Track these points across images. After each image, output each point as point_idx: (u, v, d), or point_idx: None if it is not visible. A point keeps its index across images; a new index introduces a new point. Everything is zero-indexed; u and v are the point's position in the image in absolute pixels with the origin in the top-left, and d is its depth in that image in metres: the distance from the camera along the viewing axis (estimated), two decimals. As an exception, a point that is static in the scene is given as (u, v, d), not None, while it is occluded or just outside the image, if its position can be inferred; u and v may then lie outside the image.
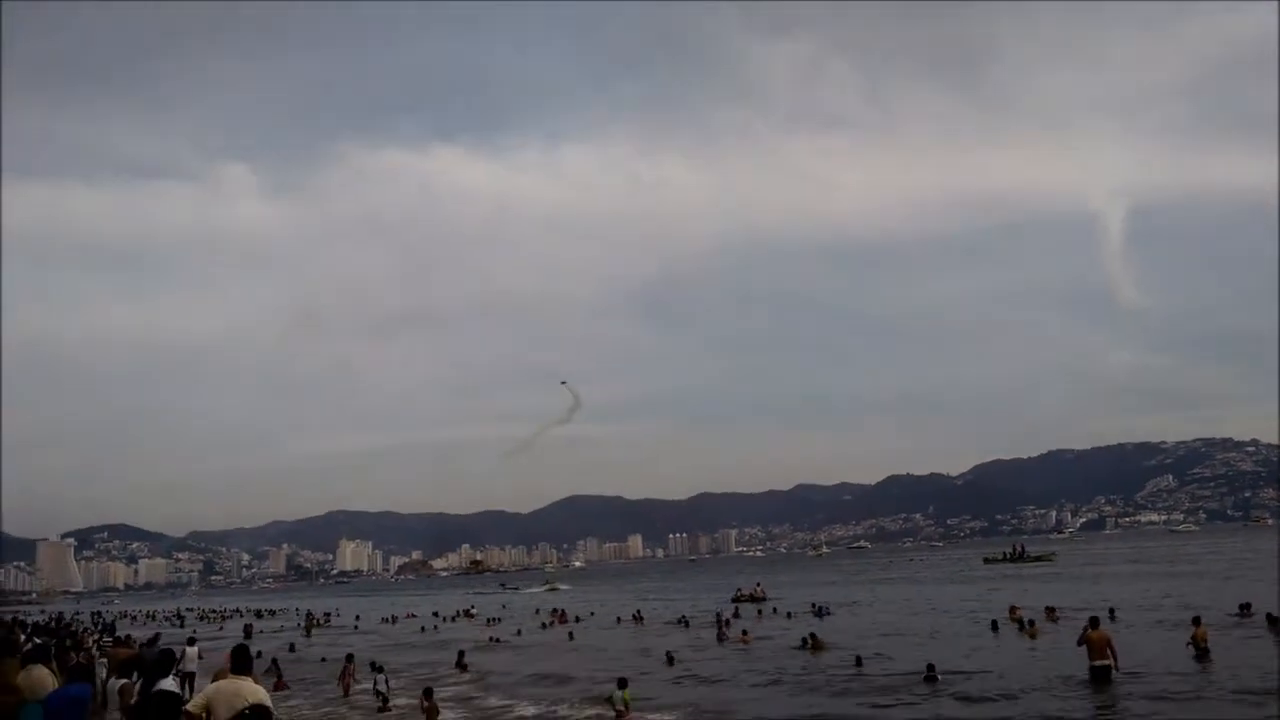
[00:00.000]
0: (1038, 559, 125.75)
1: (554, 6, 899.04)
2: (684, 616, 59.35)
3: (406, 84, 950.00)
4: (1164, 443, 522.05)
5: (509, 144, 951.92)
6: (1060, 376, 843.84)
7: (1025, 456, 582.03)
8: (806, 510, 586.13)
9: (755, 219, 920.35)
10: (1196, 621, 30.08)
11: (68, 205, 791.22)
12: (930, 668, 28.01)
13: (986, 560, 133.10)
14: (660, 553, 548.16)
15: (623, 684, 24.94)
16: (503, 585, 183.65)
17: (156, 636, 34.43)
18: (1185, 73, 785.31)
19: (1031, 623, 41.43)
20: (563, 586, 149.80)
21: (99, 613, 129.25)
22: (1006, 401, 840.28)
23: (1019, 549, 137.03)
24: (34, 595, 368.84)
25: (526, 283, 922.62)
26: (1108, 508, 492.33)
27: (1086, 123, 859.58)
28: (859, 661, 32.51)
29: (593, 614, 70.32)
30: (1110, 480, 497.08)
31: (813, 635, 39.99)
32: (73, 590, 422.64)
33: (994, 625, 41.69)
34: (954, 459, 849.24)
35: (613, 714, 24.42)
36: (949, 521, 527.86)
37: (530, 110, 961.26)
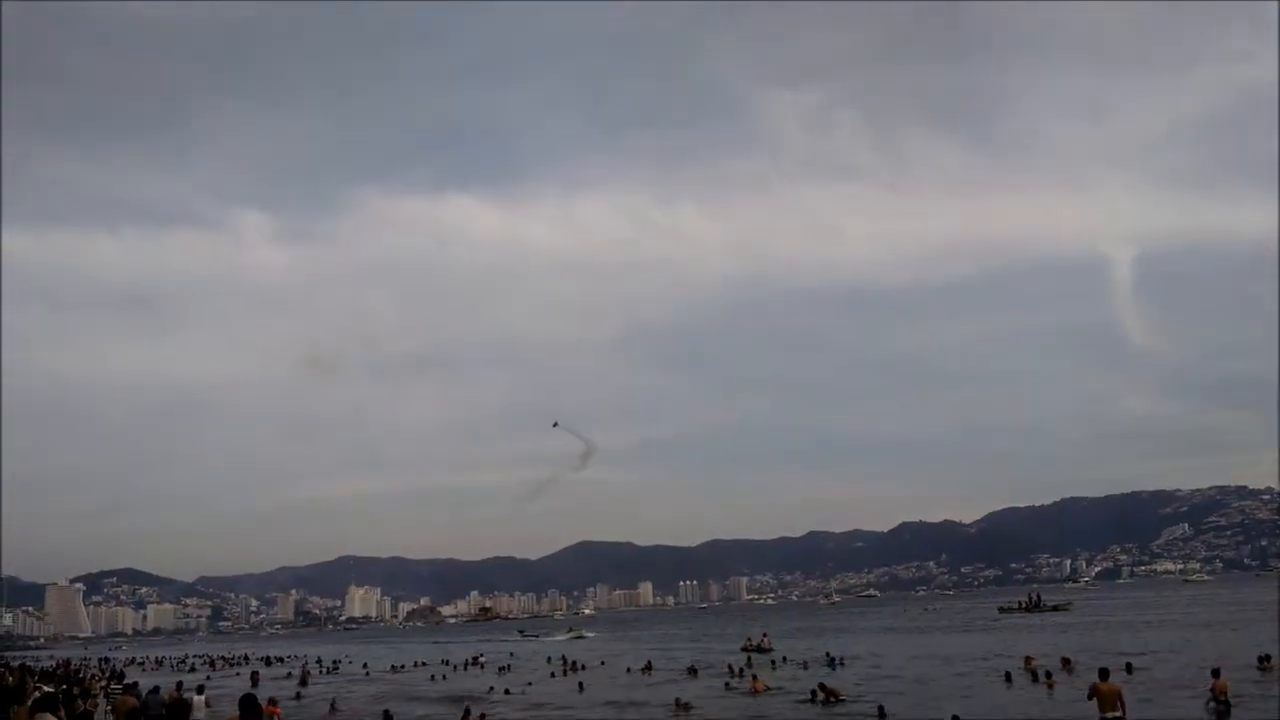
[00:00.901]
0: (1054, 608, 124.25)
1: (568, 59, 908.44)
2: (693, 665, 58.73)
3: (421, 133, 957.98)
4: (1179, 490, 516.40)
5: (522, 192, 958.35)
6: (1073, 423, 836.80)
7: (1038, 504, 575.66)
8: (818, 558, 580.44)
9: (767, 265, 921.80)
10: (1216, 674, 29.65)
11: (87, 252, 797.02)
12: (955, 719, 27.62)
13: (1002, 610, 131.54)
14: (671, 600, 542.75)
15: None
16: (521, 632, 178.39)
17: (156, 688, 34.13)
18: (1195, 119, 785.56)
19: (1048, 674, 40.92)
20: (588, 634, 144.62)
21: (107, 658, 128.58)
22: (1019, 448, 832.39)
23: (1035, 598, 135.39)
24: (42, 640, 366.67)
25: (539, 328, 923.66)
26: (1123, 556, 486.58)
27: (1096, 169, 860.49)
28: (882, 713, 32.00)
29: (602, 663, 69.62)
30: (1125, 528, 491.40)
31: (822, 685, 39.32)
32: (81, 635, 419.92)
33: (1007, 676, 41.17)
34: (967, 506, 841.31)
35: None
36: (962, 569, 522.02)
37: (544, 159, 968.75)
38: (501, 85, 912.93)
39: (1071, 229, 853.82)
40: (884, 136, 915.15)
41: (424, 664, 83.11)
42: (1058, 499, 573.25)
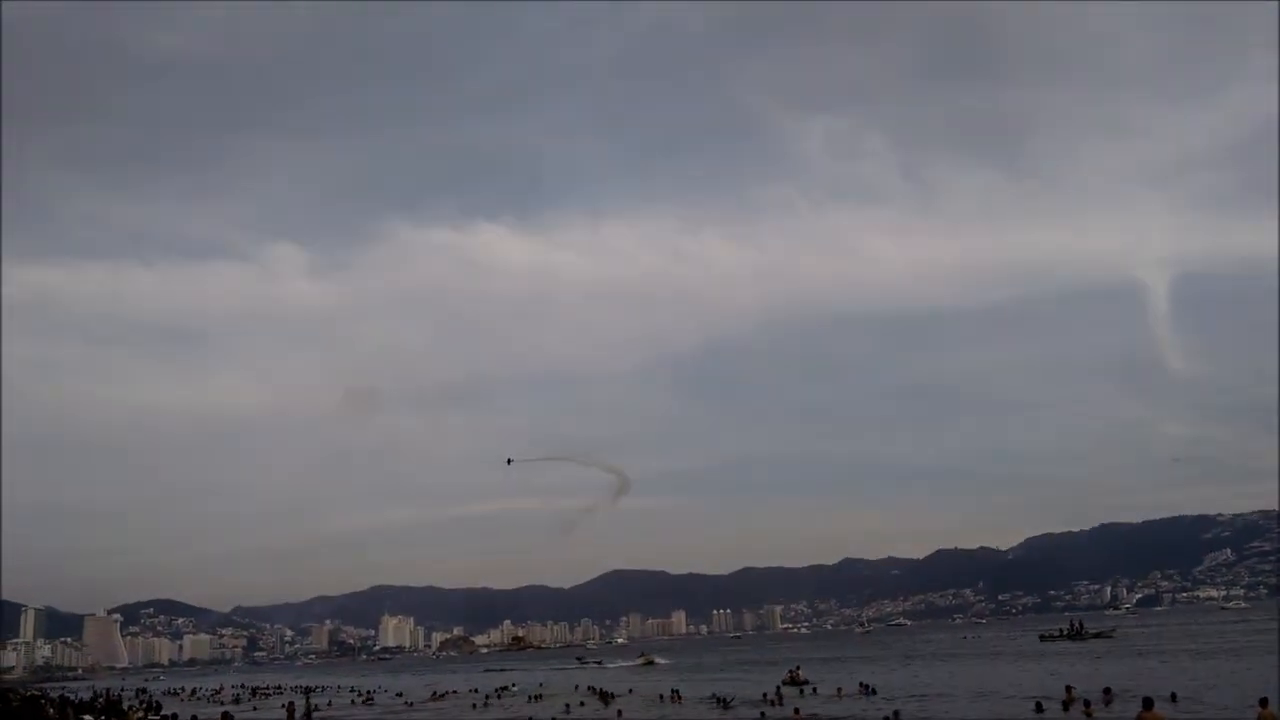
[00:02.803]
0: (1097, 635, 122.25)
1: (593, 85, 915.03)
2: (722, 697, 58.20)
3: (450, 164, 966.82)
4: (1221, 515, 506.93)
5: (550, 221, 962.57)
6: (1111, 448, 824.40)
7: (1077, 530, 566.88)
8: (853, 585, 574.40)
9: (796, 291, 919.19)
10: (1264, 703, 29.00)
11: (123, 286, 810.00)
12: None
13: (1043, 637, 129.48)
14: (704, 629, 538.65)
15: None
16: (579, 660, 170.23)
17: (193, 718, 34.57)
18: (1229, 139, 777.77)
19: (1087, 703, 40.40)
20: (660, 661, 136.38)
21: (144, 689, 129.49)
22: (1056, 474, 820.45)
23: (1077, 626, 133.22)
24: (80, 671, 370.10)
25: (569, 356, 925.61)
26: (1164, 582, 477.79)
27: (1128, 192, 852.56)
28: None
29: (630, 691, 69.24)
30: (1166, 554, 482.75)
31: (896, 714, 39.47)
32: (118, 666, 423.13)
33: (1038, 706, 40.69)
34: (1004, 533, 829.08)
35: None
36: (1000, 597, 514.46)
37: (571, 188, 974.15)
38: (527, 113, 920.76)
39: (1104, 253, 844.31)
40: (912, 161, 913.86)
41: (455, 692, 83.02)
42: (1097, 525, 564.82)
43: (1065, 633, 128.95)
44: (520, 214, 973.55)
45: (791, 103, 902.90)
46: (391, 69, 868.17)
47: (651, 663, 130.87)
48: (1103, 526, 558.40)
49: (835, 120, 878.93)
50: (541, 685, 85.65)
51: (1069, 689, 44.24)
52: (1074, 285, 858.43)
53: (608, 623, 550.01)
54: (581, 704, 64.38)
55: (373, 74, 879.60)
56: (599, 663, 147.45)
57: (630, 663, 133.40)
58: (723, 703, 55.38)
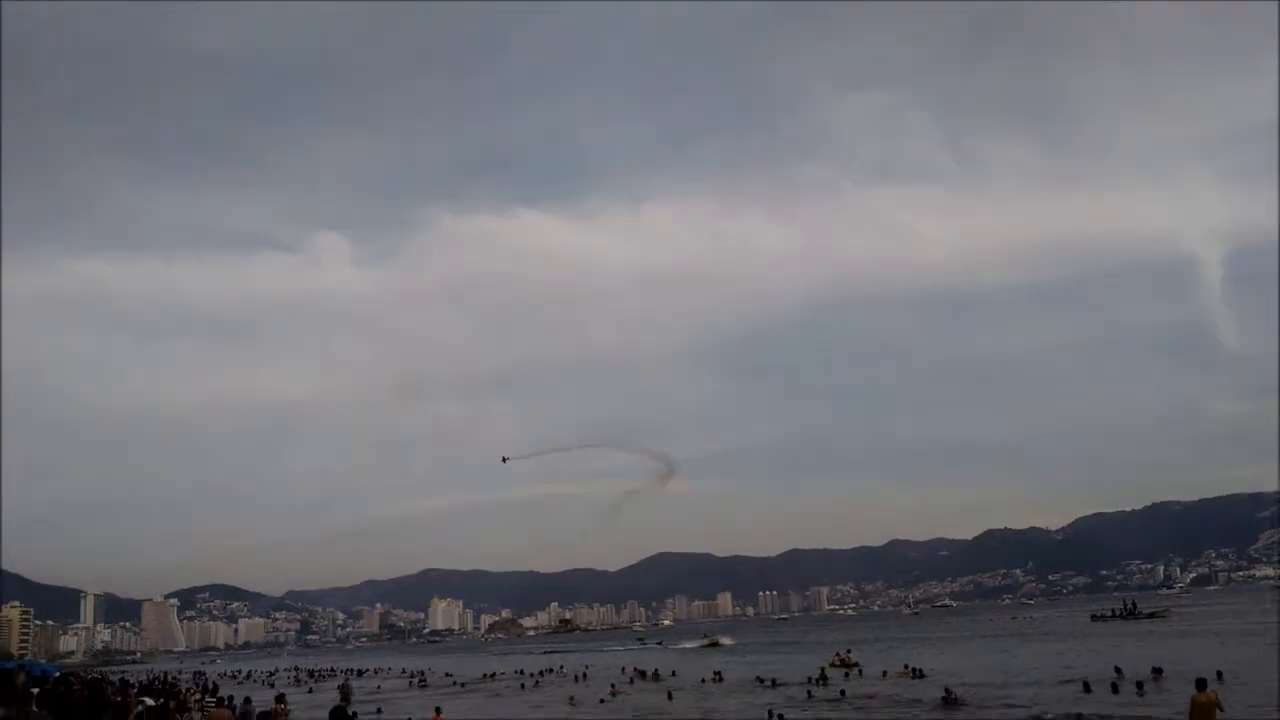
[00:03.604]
0: (1151, 615, 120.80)
1: (631, 68, 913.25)
2: (772, 678, 58.29)
3: (490, 150, 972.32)
4: (1276, 493, 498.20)
5: (591, 206, 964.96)
6: (1163, 425, 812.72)
7: (1129, 509, 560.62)
8: (901, 567, 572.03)
9: (841, 271, 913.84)
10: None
11: (174, 277, 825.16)
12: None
13: (1095, 617, 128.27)
14: (750, 610, 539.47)
15: None
16: (640, 640, 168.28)
17: (247, 699, 35.31)
18: (1275, 113, 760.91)
19: (1139, 683, 40.03)
20: (726, 641, 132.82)
21: (201, 672, 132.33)
22: (1107, 452, 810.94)
23: (1130, 605, 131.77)
24: (139, 655, 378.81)
25: (613, 340, 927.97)
26: (1219, 561, 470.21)
27: (1179, 165, 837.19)
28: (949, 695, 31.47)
29: (674, 673, 69.57)
30: (1221, 533, 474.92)
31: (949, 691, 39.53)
32: (175, 650, 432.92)
33: (1085, 686, 40.43)
34: (1053, 513, 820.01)
35: None
36: (1050, 577, 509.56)
37: (612, 173, 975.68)
38: (565, 99, 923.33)
39: (1155, 227, 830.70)
40: (957, 137, 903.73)
41: (520, 672, 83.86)
42: (1149, 504, 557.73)
43: (1118, 613, 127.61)
44: (561, 199, 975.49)
45: (832, 81, 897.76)
46: (429, 57, 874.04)
47: (717, 644, 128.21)
48: (1155, 505, 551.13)
49: (877, 97, 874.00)
50: (587, 667, 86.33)
51: (1118, 670, 43.80)
52: (1124, 260, 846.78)
53: (654, 605, 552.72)
54: (631, 682, 65.05)
55: (411, 64, 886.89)
56: (660, 644, 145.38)
57: (695, 644, 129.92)
58: (771, 683, 55.34)
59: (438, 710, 39.98)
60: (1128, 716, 32.23)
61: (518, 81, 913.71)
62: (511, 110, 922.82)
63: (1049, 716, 33.02)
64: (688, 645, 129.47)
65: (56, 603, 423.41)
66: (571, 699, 52.44)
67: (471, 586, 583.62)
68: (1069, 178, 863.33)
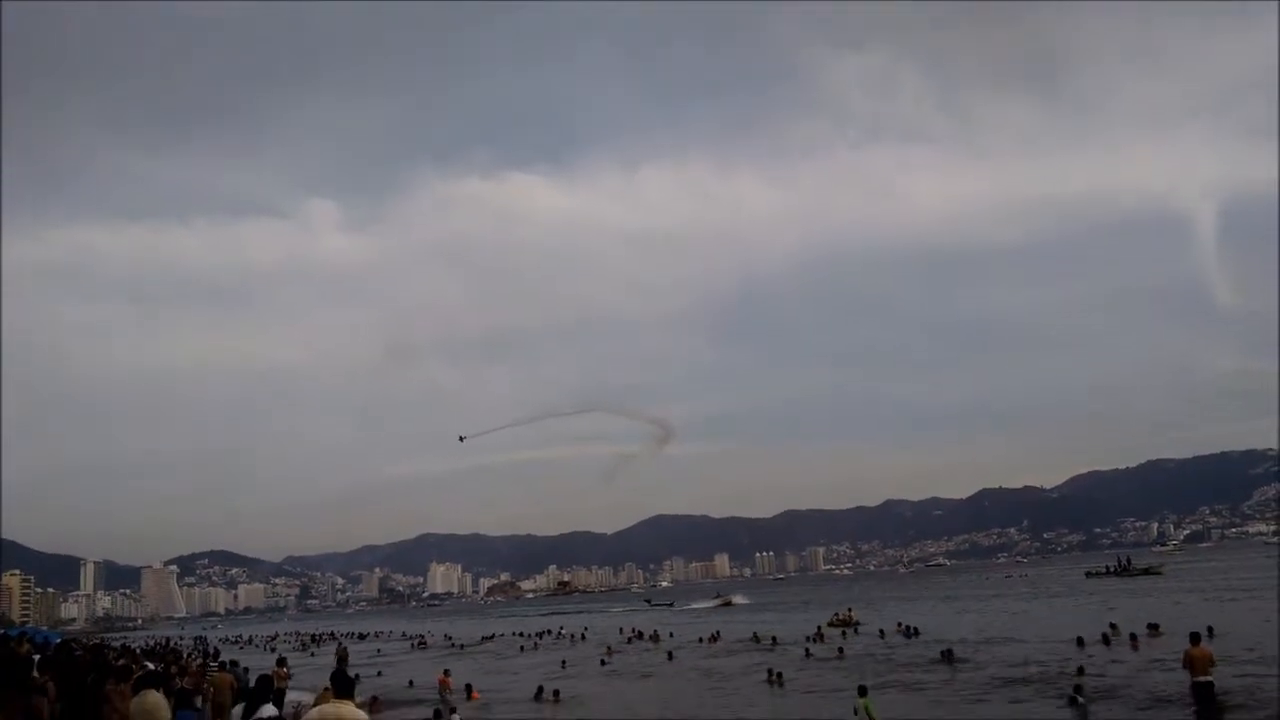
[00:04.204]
0: (1145, 572, 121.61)
1: (622, 28, 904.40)
2: (772, 636, 58.72)
3: (481, 115, 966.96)
4: (1270, 449, 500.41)
5: (583, 169, 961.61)
6: (1157, 383, 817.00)
7: (1123, 467, 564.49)
8: (896, 527, 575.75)
9: (835, 232, 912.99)
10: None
11: (165, 245, 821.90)
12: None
13: (1090, 574, 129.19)
14: (747, 571, 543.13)
15: (863, 691, 23.88)
16: (648, 602, 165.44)
17: (235, 662, 35.60)
18: (1273, 65, 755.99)
19: (1133, 635, 40.51)
20: (740, 600, 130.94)
21: (202, 637, 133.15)
22: (1101, 411, 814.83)
23: (1124, 562, 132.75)
24: (140, 621, 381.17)
25: (607, 303, 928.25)
26: (1213, 519, 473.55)
27: (1175, 121, 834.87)
28: (948, 655, 31.74)
29: (671, 634, 70.06)
30: (1215, 490, 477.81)
31: (948, 652, 39.90)
32: (176, 616, 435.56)
33: (1079, 641, 40.77)
34: (1048, 471, 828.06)
35: None
36: (1045, 535, 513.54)
37: (603, 135, 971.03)
38: (556, 62, 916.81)
39: (1148, 184, 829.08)
40: (950, 96, 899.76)
41: (520, 634, 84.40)
42: (1143, 461, 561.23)
43: (1112, 569, 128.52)
44: (553, 163, 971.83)
45: (825, 40, 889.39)
46: (420, 23, 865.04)
47: (730, 603, 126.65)
48: (1149, 463, 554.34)
49: (870, 57, 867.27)
50: (586, 628, 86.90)
51: (1113, 626, 44.10)
52: (1119, 218, 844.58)
53: (651, 567, 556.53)
54: (629, 642, 65.55)
55: (401, 29, 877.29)
56: (670, 604, 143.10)
57: (707, 604, 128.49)
58: (772, 641, 55.64)
59: (446, 672, 40.41)
60: (1125, 670, 32.48)
61: (509, 45, 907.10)
62: (502, 74, 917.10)
63: (1049, 672, 33.24)
64: (700, 605, 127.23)
65: (57, 570, 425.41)
66: (563, 663, 52.04)
67: (470, 550, 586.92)
68: (1064, 135, 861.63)
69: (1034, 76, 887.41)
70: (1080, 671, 29.98)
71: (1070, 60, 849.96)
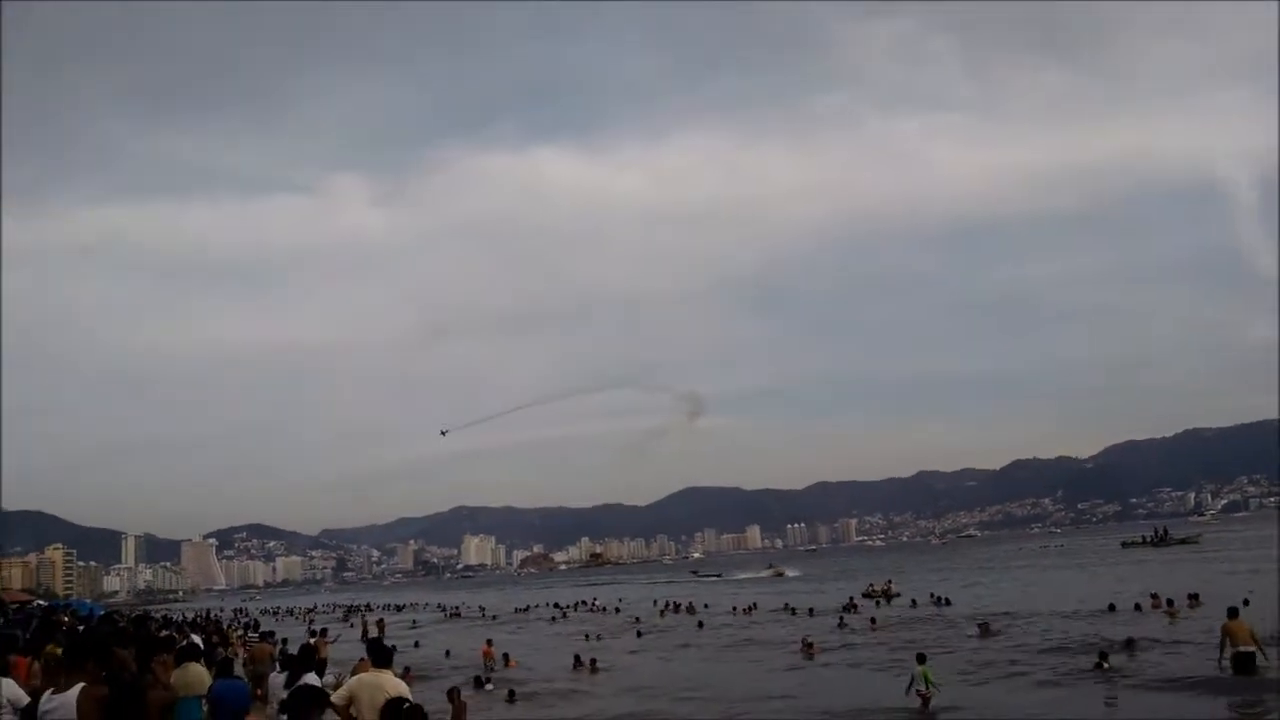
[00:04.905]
0: (1182, 542, 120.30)
1: (650, 5, 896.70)
2: (809, 608, 58.74)
3: (504, 88, 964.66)
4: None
5: (608, 142, 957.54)
6: (1194, 352, 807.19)
7: (1160, 436, 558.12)
8: (928, 498, 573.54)
9: (862, 203, 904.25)
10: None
11: (189, 222, 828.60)
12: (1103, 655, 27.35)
13: (1125, 544, 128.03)
14: (779, 543, 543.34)
15: (921, 659, 23.82)
16: (695, 573, 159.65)
17: (271, 633, 36.04)
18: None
19: (1170, 602, 40.18)
20: (791, 573, 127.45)
21: (241, 608, 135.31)
22: (1137, 380, 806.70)
23: (1161, 532, 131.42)
24: (180, 594, 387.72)
25: (634, 278, 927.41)
26: (1251, 488, 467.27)
27: (1209, 85, 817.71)
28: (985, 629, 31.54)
29: (706, 606, 70.27)
30: (1254, 459, 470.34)
31: (985, 625, 39.71)
32: (216, 588, 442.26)
33: (1111, 607, 40.57)
34: (1083, 441, 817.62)
35: (915, 696, 22.95)
36: (1079, 506, 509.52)
37: (627, 108, 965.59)
38: (581, 33, 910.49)
39: (1185, 151, 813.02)
40: (978, 63, 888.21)
41: (555, 605, 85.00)
42: (1180, 430, 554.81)
43: (1148, 539, 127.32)
44: (578, 136, 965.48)
45: (851, 8, 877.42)
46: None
47: (781, 574, 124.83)
48: (1186, 432, 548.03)
49: (897, 24, 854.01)
50: (620, 599, 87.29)
51: (1153, 596, 43.66)
52: (1151, 186, 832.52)
53: (683, 539, 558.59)
54: (662, 615, 65.87)
55: (425, 2, 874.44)
56: (718, 575, 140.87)
57: (757, 574, 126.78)
58: (809, 612, 55.61)
59: (489, 642, 40.76)
60: (1161, 640, 32.19)
61: (533, 17, 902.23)
62: (527, 47, 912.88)
63: (1087, 639, 33.01)
64: (749, 575, 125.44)
65: (99, 544, 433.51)
66: (598, 636, 51.48)
67: (503, 523, 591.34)
68: (1095, 102, 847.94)
69: (1064, 42, 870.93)
70: (1129, 642, 29.80)
71: (1101, 24, 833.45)
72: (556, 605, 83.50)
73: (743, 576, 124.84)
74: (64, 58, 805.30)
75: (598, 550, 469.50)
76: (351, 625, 70.04)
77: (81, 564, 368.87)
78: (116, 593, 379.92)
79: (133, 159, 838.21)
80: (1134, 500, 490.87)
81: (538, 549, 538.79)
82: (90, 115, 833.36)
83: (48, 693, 7.86)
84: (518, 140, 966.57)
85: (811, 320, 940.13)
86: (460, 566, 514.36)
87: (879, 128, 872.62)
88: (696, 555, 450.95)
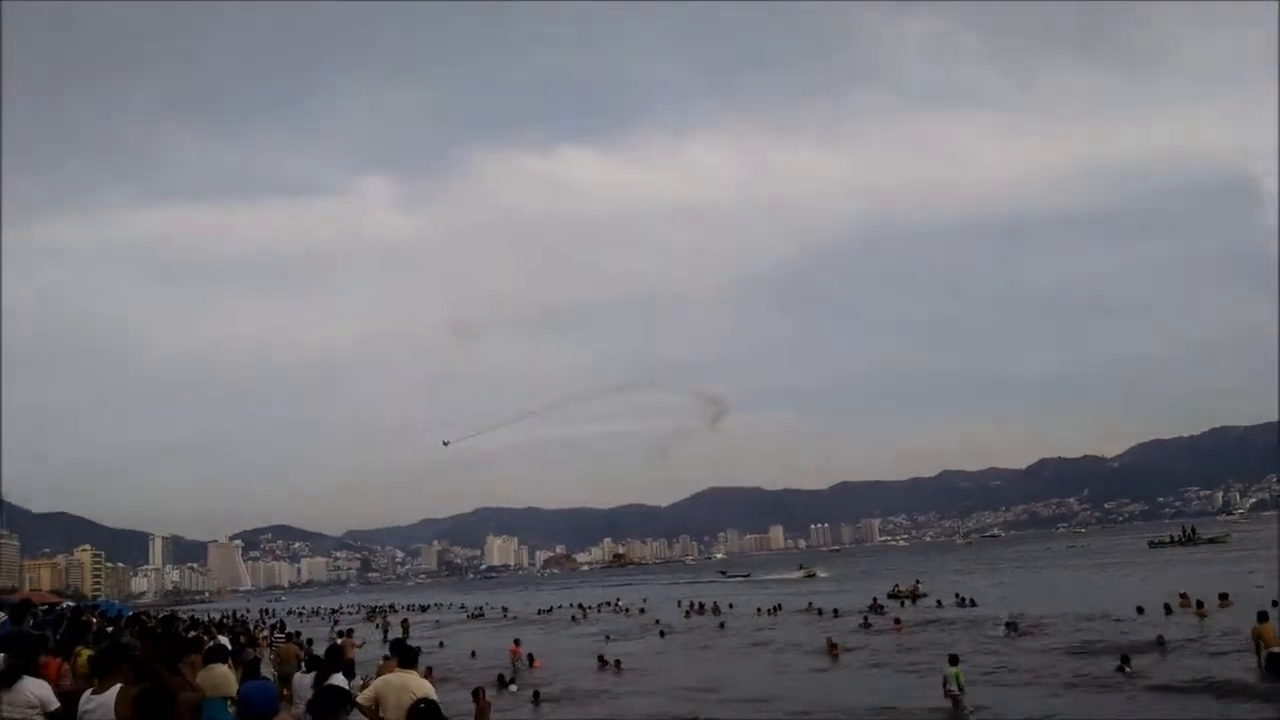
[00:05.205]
0: (1211, 541, 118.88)
1: (676, 6, 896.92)
2: (834, 608, 58.54)
3: (533, 89, 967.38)
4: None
5: (636, 142, 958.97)
6: (1223, 350, 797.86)
7: (1187, 435, 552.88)
8: (953, 498, 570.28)
9: (892, 200, 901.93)
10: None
11: (222, 224, 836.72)
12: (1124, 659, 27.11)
13: (1153, 544, 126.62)
14: (802, 544, 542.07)
15: (954, 660, 23.77)
16: (723, 573, 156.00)
17: (297, 634, 36.24)
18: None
19: (1200, 603, 39.71)
20: (822, 574, 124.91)
21: (267, 609, 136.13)
22: (1165, 378, 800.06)
23: (1189, 531, 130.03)
24: (207, 594, 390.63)
25: (662, 276, 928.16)
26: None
27: (1244, 79, 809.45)
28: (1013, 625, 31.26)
29: (731, 606, 70.10)
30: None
31: (1013, 622, 39.40)
32: (242, 589, 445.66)
33: (1139, 610, 40.06)
34: (1109, 440, 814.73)
35: (944, 695, 22.99)
36: (1106, 505, 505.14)
37: (656, 108, 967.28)
38: (610, 32, 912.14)
39: (1219, 147, 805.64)
40: (1012, 60, 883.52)
41: (578, 605, 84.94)
42: (1208, 429, 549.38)
43: (1176, 539, 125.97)
44: (605, 136, 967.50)
45: (883, 6, 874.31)
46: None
47: (814, 575, 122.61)
48: (1214, 430, 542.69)
49: (931, 21, 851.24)
50: (645, 600, 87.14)
51: (1183, 595, 43.17)
52: (1183, 182, 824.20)
53: (706, 539, 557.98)
54: (687, 615, 65.83)
55: (452, 5, 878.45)
56: (747, 575, 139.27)
57: (790, 575, 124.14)
58: (834, 612, 55.42)
59: (516, 642, 40.86)
60: (1190, 642, 31.83)
61: (561, 17, 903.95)
62: (555, 47, 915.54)
63: (1117, 642, 32.69)
64: (779, 577, 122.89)
65: (126, 545, 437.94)
66: (615, 636, 51.58)
67: (525, 523, 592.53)
68: (1128, 97, 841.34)
69: (1096, 37, 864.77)
70: (1159, 642, 29.55)
71: (1134, 19, 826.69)
72: (580, 606, 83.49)
73: (773, 577, 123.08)
74: (108, 69, 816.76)
75: (620, 551, 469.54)
76: (377, 626, 70.29)
77: (109, 565, 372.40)
78: (144, 593, 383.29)
79: (169, 165, 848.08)
80: (1161, 499, 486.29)
81: (560, 549, 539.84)
82: (134, 123, 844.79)
83: (87, 693, 8.01)
84: (546, 141, 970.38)
85: (837, 318, 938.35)
86: (483, 567, 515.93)
87: (911, 124, 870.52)
88: (719, 556, 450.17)
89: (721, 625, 53.93)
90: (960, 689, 22.75)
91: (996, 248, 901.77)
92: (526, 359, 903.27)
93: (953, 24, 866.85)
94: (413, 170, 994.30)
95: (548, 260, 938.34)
